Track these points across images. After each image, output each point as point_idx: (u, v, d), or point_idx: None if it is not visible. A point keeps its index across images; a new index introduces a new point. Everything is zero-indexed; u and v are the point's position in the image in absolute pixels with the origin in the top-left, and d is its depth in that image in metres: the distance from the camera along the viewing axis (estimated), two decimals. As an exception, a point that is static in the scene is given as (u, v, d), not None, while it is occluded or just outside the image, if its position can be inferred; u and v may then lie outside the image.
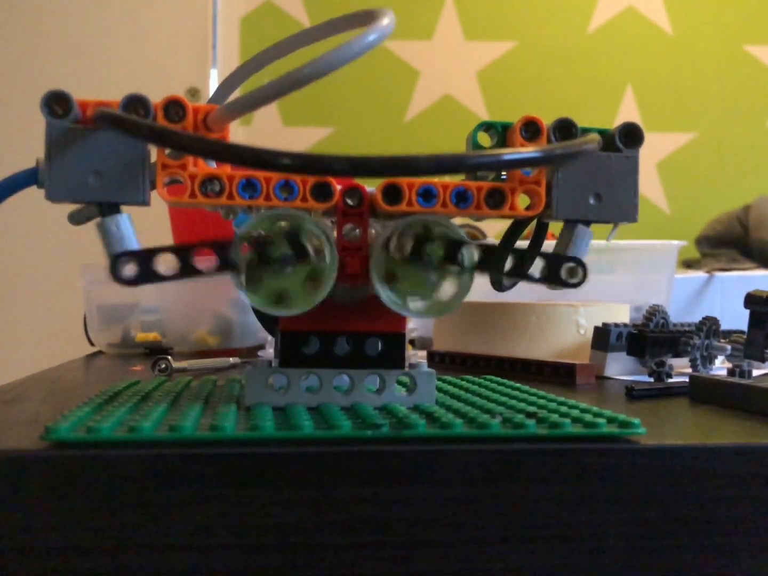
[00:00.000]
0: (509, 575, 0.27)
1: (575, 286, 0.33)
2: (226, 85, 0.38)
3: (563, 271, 0.33)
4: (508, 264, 0.33)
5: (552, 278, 0.33)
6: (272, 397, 0.34)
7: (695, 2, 2.05)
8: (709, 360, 0.55)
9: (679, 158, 2.03)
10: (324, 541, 0.27)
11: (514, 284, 0.35)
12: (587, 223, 0.33)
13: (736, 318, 0.59)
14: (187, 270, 0.30)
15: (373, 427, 0.29)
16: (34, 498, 0.25)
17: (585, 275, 0.33)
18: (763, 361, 0.51)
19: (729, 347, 0.54)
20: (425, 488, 0.27)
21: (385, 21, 0.30)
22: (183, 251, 0.30)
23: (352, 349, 0.35)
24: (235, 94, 0.35)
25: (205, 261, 0.31)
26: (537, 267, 0.33)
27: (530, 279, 0.33)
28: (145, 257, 0.30)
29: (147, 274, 0.30)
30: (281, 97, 0.29)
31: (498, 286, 0.34)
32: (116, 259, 0.30)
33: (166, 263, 0.30)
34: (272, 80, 0.29)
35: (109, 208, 0.31)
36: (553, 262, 0.33)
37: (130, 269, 0.30)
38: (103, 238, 0.30)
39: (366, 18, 0.31)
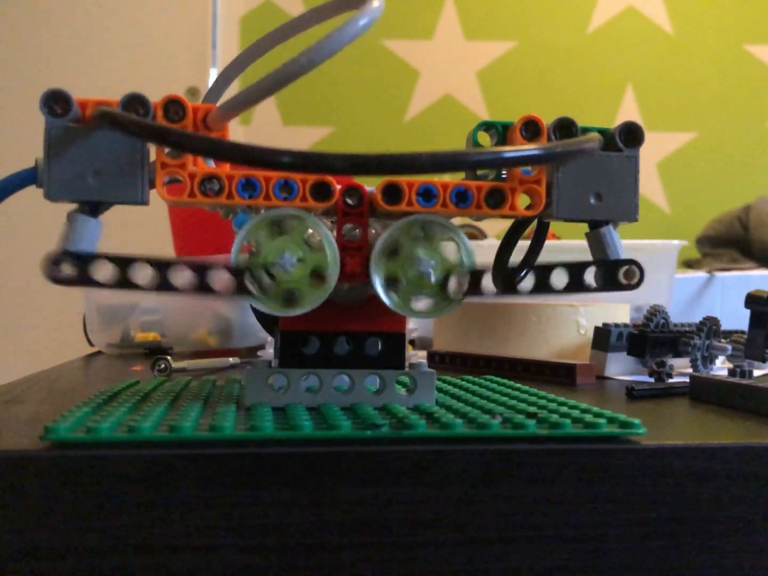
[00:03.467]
0: (510, 576, 0.27)
1: (636, 286, 0.32)
2: (221, 81, 0.38)
3: (621, 275, 0.32)
4: (531, 281, 0.32)
5: (611, 284, 0.32)
6: (272, 398, 0.33)
7: (695, 2, 2.05)
8: (709, 360, 0.54)
9: (679, 158, 2.03)
10: (324, 541, 0.27)
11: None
12: (596, 223, 0.33)
13: (736, 318, 0.59)
14: (125, 283, 0.30)
15: (373, 427, 0.29)
16: (33, 498, 0.25)
17: (643, 274, 0.32)
18: (763, 361, 0.51)
19: (729, 347, 0.53)
20: (425, 489, 0.27)
21: (375, 3, 0.30)
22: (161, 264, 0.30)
23: (352, 349, 0.35)
24: (232, 90, 0.35)
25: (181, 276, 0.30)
26: (590, 274, 0.32)
27: (588, 289, 0.32)
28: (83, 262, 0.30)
29: (82, 279, 0.30)
30: (279, 90, 0.29)
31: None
32: (60, 256, 0.29)
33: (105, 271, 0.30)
34: (269, 74, 0.29)
35: (95, 209, 0.30)
36: (608, 267, 0.32)
37: (66, 270, 0.29)
38: (65, 230, 0.30)
39: (356, 1, 0.31)
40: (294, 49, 0.29)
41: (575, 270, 0.32)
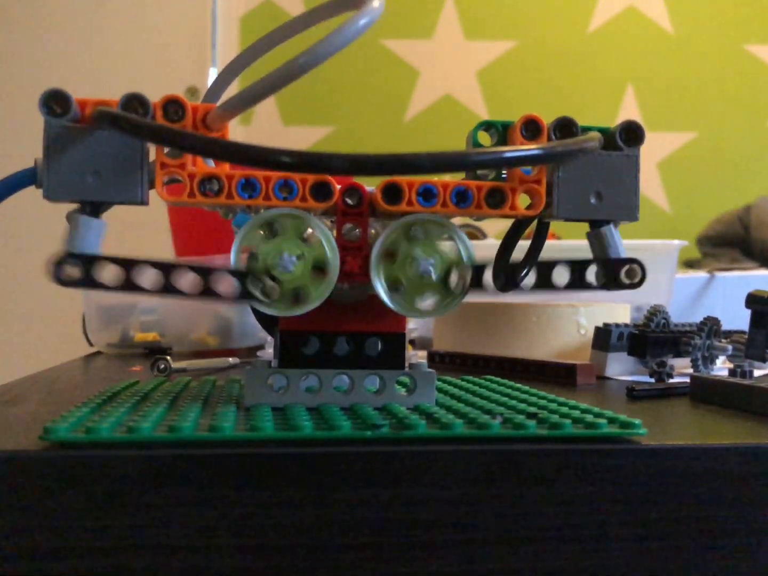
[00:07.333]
0: (510, 576, 0.27)
1: (637, 286, 0.32)
2: (221, 81, 0.38)
3: (623, 274, 0.32)
4: (533, 277, 0.32)
5: (612, 283, 0.32)
6: (272, 398, 0.33)
7: (696, 2, 2.05)
8: (710, 360, 0.54)
9: (679, 158, 2.03)
10: (324, 542, 0.27)
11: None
12: (596, 223, 0.33)
13: (737, 318, 0.59)
14: (130, 285, 0.30)
15: (373, 427, 0.29)
16: (32, 498, 0.25)
17: (644, 273, 0.32)
18: (764, 361, 0.51)
19: (730, 347, 0.53)
20: (425, 489, 0.27)
21: (375, 3, 0.30)
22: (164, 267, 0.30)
23: (352, 349, 0.35)
24: (232, 89, 0.35)
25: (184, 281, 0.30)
26: (591, 273, 0.32)
27: (589, 287, 0.32)
28: (88, 263, 0.29)
29: (88, 281, 0.29)
30: (279, 90, 0.29)
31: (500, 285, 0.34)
32: (64, 258, 0.29)
33: (110, 273, 0.30)
34: (269, 74, 0.29)
35: (96, 209, 0.30)
36: (610, 266, 0.32)
37: (71, 272, 0.29)
38: (69, 232, 0.30)
39: (355, 1, 0.31)
40: (294, 49, 0.29)
41: (577, 267, 0.32)
